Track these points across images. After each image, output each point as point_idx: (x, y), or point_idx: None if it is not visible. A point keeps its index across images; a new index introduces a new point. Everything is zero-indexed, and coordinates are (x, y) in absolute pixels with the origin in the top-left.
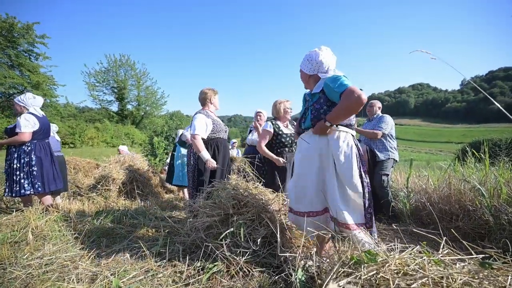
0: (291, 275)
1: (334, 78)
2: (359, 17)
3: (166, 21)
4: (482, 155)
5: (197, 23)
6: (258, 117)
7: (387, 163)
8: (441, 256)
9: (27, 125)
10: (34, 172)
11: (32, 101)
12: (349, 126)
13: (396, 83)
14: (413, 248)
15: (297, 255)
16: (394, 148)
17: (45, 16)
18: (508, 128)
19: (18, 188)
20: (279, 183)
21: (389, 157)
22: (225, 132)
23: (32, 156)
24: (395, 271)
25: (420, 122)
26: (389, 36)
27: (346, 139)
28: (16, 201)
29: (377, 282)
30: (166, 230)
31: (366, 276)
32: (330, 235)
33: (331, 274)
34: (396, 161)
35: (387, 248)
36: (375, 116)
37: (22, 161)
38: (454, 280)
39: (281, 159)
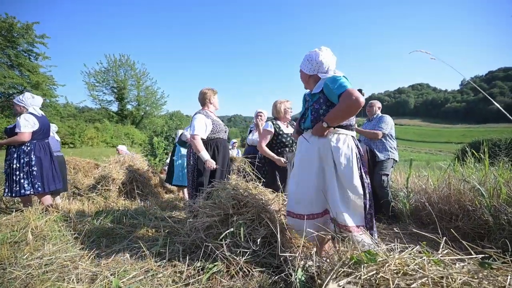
0: (291, 275)
1: (334, 78)
2: (359, 17)
3: (166, 21)
4: (481, 155)
5: (197, 23)
6: (259, 117)
7: (387, 163)
8: (441, 256)
9: (27, 125)
10: (34, 172)
11: (31, 101)
12: (349, 126)
13: (396, 83)
14: (413, 248)
15: (297, 255)
16: (394, 148)
17: (45, 16)
18: (507, 128)
19: (18, 188)
20: (279, 183)
21: (389, 157)
22: (225, 132)
23: (32, 156)
24: (395, 271)
25: (420, 122)
26: (389, 36)
27: (346, 141)
28: (15, 201)
29: (377, 282)
30: (166, 230)
31: (366, 276)
32: (330, 236)
33: (331, 274)
34: (396, 161)
35: (387, 248)
36: (375, 116)
37: (22, 161)
38: (453, 280)
39: (282, 159)
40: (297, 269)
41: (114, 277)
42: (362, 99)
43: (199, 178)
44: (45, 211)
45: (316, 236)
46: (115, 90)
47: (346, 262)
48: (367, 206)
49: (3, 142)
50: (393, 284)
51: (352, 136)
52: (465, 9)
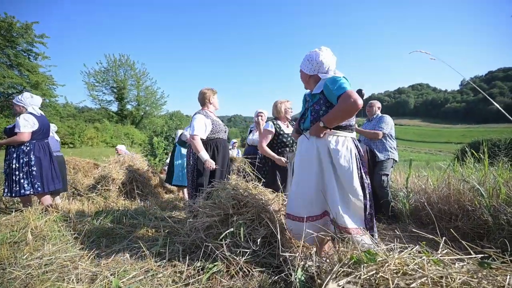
0: (291, 275)
1: (333, 79)
2: (359, 17)
3: (166, 21)
4: (481, 155)
5: (197, 23)
6: (260, 117)
7: (387, 163)
8: (440, 256)
9: (26, 125)
10: (34, 172)
11: (30, 100)
12: (348, 127)
13: (395, 83)
14: (413, 248)
15: (297, 255)
16: (394, 148)
17: (44, 16)
18: (507, 128)
19: (18, 188)
20: (279, 183)
21: (388, 157)
22: (225, 132)
23: (31, 156)
24: (395, 271)
25: (420, 123)
26: (389, 37)
27: (345, 143)
28: (15, 201)
29: (376, 281)
30: (166, 230)
31: (366, 276)
32: (330, 237)
33: (331, 273)
34: (396, 161)
35: (387, 248)
36: (374, 116)
37: (21, 161)
38: (453, 279)
39: (283, 159)
40: (297, 269)
41: (114, 277)
42: (360, 102)
43: (199, 178)
44: (45, 211)
45: (315, 236)
46: (115, 90)
47: (346, 262)
48: (367, 206)
49: (3, 142)
50: (392, 284)
51: (351, 138)
52: (465, 9)
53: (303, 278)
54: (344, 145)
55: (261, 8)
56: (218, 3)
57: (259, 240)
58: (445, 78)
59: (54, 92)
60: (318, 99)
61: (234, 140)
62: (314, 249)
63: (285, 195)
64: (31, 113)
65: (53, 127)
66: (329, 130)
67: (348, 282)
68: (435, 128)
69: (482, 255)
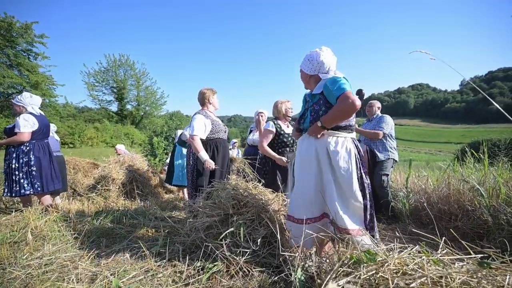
0: (291, 275)
1: (334, 80)
2: (359, 17)
3: (166, 20)
4: (481, 155)
5: (197, 23)
6: (261, 117)
7: (387, 163)
8: (440, 256)
9: (26, 125)
10: (33, 172)
11: (29, 100)
12: (348, 127)
13: (395, 83)
14: (412, 248)
15: (297, 255)
16: (394, 148)
17: (44, 16)
18: (507, 128)
19: (18, 188)
20: (279, 183)
21: (389, 157)
22: (225, 132)
23: (31, 156)
24: (394, 271)
25: (420, 123)
26: (389, 36)
27: (344, 144)
28: (15, 201)
29: (376, 281)
30: (166, 230)
31: (366, 275)
32: (329, 238)
33: (331, 273)
34: (396, 161)
35: (387, 248)
36: (374, 116)
37: (21, 161)
38: (452, 279)
39: (284, 158)
40: (297, 269)
41: (114, 277)
42: (358, 103)
43: (198, 178)
44: (45, 211)
45: (315, 237)
46: (115, 90)
47: (346, 262)
48: (368, 206)
49: (3, 142)
50: (392, 284)
51: (351, 138)
52: (465, 9)
53: (303, 278)
54: (344, 146)
55: (261, 8)
56: (219, 2)
57: (259, 240)
58: (445, 78)
59: (54, 92)
60: (318, 99)
61: (235, 140)
62: (314, 249)
63: (285, 195)
64: (31, 113)
65: (52, 127)
66: (326, 130)
67: (348, 282)
68: (435, 128)
69: (482, 255)
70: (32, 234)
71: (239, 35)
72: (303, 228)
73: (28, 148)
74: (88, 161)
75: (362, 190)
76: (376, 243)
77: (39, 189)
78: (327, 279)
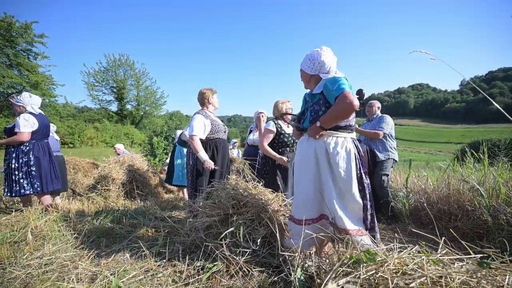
0: (291, 275)
1: (333, 80)
2: (359, 17)
3: (166, 20)
4: (481, 155)
5: (197, 22)
6: (261, 116)
7: (387, 163)
8: (440, 256)
9: (26, 125)
10: (33, 172)
11: (29, 100)
12: (348, 127)
13: (395, 83)
14: (412, 248)
15: (296, 255)
16: (394, 148)
17: (44, 16)
18: (507, 128)
19: (17, 188)
20: (279, 183)
21: (389, 157)
22: (224, 132)
23: (30, 156)
24: (394, 271)
25: (420, 123)
26: (389, 36)
27: (344, 144)
28: (15, 201)
29: (376, 281)
30: (166, 230)
31: (365, 275)
32: (329, 238)
33: (330, 273)
34: (396, 161)
35: (386, 248)
36: (374, 116)
37: (20, 161)
38: (452, 279)
39: (284, 158)
40: (296, 269)
41: (114, 276)
42: (356, 103)
43: (198, 178)
44: (45, 211)
45: (315, 237)
46: (115, 90)
47: (345, 262)
48: (368, 206)
49: (3, 142)
50: (392, 284)
51: (351, 138)
52: (465, 9)
53: (302, 277)
54: (343, 146)
55: (261, 8)
56: (219, 2)
57: (259, 240)
58: (445, 78)
59: (53, 92)
60: (318, 100)
61: (235, 140)
62: (314, 249)
63: (285, 195)
64: (31, 113)
65: (52, 127)
66: (325, 131)
67: (348, 282)
68: (435, 128)
69: (482, 255)
70: (32, 234)
71: (239, 35)
72: (302, 229)
73: (27, 148)
74: (88, 161)
75: (362, 190)
76: (376, 243)
77: (38, 189)
78: (326, 279)
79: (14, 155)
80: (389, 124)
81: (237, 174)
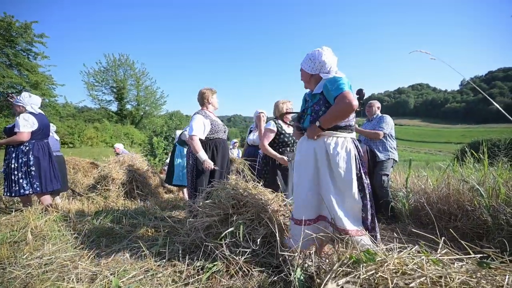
0: (290, 275)
1: (333, 80)
2: (359, 17)
3: (166, 20)
4: (481, 155)
5: (197, 22)
6: (262, 116)
7: (387, 163)
8: (440, 256)
9: (26, 125)
10: (33, 172)
11: (28, 100)
12: (348, 127)
13: (395, 83)
14: (412, 248)
15: (296, 255)
16: (394, 148)
17: (44, 16)
18: (507, 128)
19: (17, 188)
20: (279, 183)
21: (389, 157)
22: (224, 132)
23: (30, 156)
24: (394, 271)
25: (420, 123)
26: (389, 36)
27: (344, 144)
28: (15, 201)
29: (375, 281)
30: (166, 230)
31: (365, 275)
32: (329, 238)
33: (330, 273)
34: (396, 161)
35: (386, 248)
36: (374, 116)
37: (20, 161)
38: (452, 279)
39: (285, 157)
40: (296, 269)
41: (114, 276)
42: (355, 103)
43: (198, 178)
44: (45, 211)
45: (315, 238)
46: (115, 90)
47: (345, 262)
48: (368, 206)
49: (2, 142)
50: (392, 284)
51: (351, 138)
52: (465, 9)
53: (302, 277)
54: (343, 147)
55: (261, 8)
56: (219, 2)
57: (258, 240)
58: (445, 78)
59: (53, 92)
60: (318, 100)
61: (235, 140)
62: (313, 248)
63: (285, 195)
64: (30, 113)
65: (52, 127)
66: (326, 131)
67: (347, 282)
68: (435, 128)
69: (481, 255)
70: (32, 234)
71: (239, 35)
72: (302, 229)
73: (27, 148)
74: (88, 161)
75: (362, 190)
76: (376, 243)
77: (38, 189)
78: (326, 279)
79: (13, 155)
80: (389, 124)
81: (237, 174)
